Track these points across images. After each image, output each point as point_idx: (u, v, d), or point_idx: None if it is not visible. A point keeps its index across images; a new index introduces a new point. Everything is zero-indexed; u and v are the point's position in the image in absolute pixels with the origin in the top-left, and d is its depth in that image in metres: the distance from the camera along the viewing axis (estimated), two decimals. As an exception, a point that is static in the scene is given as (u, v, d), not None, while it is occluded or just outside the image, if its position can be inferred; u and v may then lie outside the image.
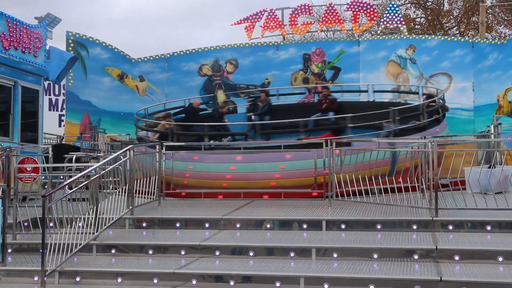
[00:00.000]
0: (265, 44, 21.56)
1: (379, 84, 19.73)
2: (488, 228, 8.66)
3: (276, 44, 21.48)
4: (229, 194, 12.23)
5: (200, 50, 21.67)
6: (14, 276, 8.41)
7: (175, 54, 21.69)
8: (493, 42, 19.76)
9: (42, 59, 14.26)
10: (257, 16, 22.12)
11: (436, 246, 8.00)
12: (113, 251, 9.05)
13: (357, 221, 9.33)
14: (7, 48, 12.96)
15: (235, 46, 21.54)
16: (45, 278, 7.89)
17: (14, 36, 13.19)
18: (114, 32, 55.49)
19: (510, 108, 17.66)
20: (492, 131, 13.86)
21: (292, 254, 8.42)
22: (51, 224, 8.65)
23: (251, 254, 8.54)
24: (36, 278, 8.11)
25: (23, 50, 13.46)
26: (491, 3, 35.55)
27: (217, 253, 8.68)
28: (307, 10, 22.50)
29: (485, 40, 20.55)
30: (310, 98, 20.43)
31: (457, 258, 7.83)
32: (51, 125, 22.89)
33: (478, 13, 30.69)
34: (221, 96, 21.14)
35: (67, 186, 8.89)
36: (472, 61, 19.24)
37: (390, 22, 21.39)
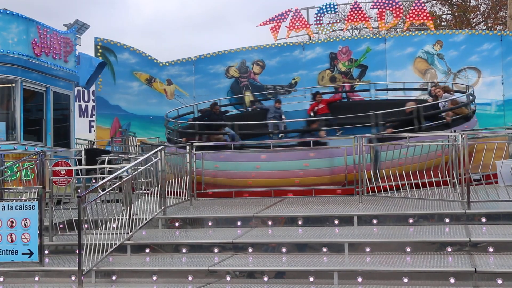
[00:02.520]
0: (291, 44, 21.60)
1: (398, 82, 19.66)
2: (522, 219, 8.59)
3: (302, 44, 21.51)
4: (260, 193, 12.28)
5: (226, 52, 21.79)
6: (52, 277, 8.61)
7: (202, 57, 21.87)
8: (522, 34, 19.51)
9: (72, 65, 14.53)
10: (283, 17, 22.16)
11: (470, 239, 7.95)
12: (147, 250, 9.18)
13: (389, 216, 9.31)
14: (38, 54, 13.25)
15: (261, 47, 21.62)
16: (82, 277, 8.05)
17: (45, 42, 13.47)
18: (138, 40, 56.12)
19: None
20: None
21: (324, 250, 8.45)
22: (86, 226, 8.81)
23: (283, 250, 8.59)
24: (73, 278, 8.29)
25: (54, 56, 13.74)
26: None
27: (250, 250, 8.75)
28: (332, 9, 22.47)
29: (514, 32, 20.31)
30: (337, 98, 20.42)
31: (491, 250, 7.77)
32: (82, 131, 23.21)
33: (506, 7, 30.28)
34: (248, 97, 21.25)
35: (100, 188, 9.07)
36: (501, 54, 19.01)
37: (417, 18, 21.25)
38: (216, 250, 8.88)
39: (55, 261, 9.00)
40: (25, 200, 8.80)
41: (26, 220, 8.60)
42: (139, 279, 8.27)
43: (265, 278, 7.78)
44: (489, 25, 35.25)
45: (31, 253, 8.59)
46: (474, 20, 36.36)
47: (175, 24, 62.56)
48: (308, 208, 10.33)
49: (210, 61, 21.77)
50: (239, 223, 9.85)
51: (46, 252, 9.14)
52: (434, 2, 37.66)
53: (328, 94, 19.40)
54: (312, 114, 17.17)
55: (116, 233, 8.88)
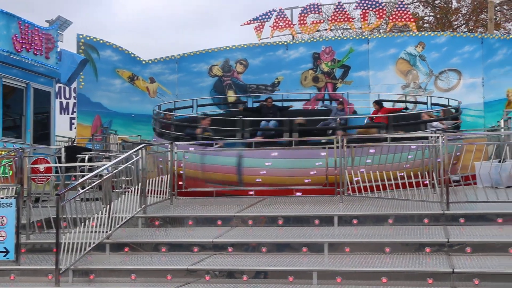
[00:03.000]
0: (274, 43, 21.62)
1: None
2: (499, 220, 8.66)
3: (285, 43, 21.55)
4: (241, 192, 12.27)
5: (210, 51, 21.75)
6: (28, 276, 8.49)
7: (185, 55, 21.79)
8: (502, 37, 19.71)
9: (54, 61, 14.41)
10: (266, 16, 22.17)
11: (448, 239, 8.01)
12: (126, 249, 9.12)
13: (369, 216, 9.35)
14: (19, 50, 13.11)
15: (245, 46, 21.62)
16: (59, 276, 7.97)
17: (26, 38, 13.34)
18: (122, 38, 55.80)
19: (520, 103, 17.64)
20: (502, 126, 13.82)
21: (304, 250, 8.46)
22: (65, 224, 8.73)
23: (263, 250, 8.59)
24: (50, 277, 8.19)
25: (35, 52, 13.61)
26: (499, 0, 35.42)
27: (230, 249, 8.73)
28: (316, 9, 22.54)
29: (494, 35, 20.50)
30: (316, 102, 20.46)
31: (469, 250, 7.83)
32: (63, 128, 23.07)
33: (487, 11, 30.57)
34: (231, 96, 21.23)
35: (79, 186, 8.99)
36: (481, 57, 19.21)
37: (399, 20, 21.37)
38: (196, 250, 8.85)
39: (32, 260, 8.89)
40: (3, 198, 8.69)
41: (2, 218, 8.49)
42: (117, 278, 8.20)
43: (245, 278, 7.76)
44: (470, 27, 35.59)
45: (7, 252, 8.47)
46: (456, 23, 36.69)
47: (159, 21, 62.28)
48: (289, 208, 10.34)
49: (194, 59, 21.71)
50: (219, 223, 9.82)
51: (23, 250, 9.01)
52: (417, 3, 37.97)
53: (390, 103, 18.42)
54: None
55: (95, 232, 8.80)
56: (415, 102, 19.00)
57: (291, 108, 18.35)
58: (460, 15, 36.83)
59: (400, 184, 10.14)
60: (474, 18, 35.96)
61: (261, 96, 20.50)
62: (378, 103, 16.49)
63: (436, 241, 8.10)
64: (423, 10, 38.37)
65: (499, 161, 10.44)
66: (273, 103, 17.63)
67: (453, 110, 16.18)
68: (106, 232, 9.04)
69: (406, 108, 16.91)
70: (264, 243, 8.67)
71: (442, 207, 9.10)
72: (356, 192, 10.45)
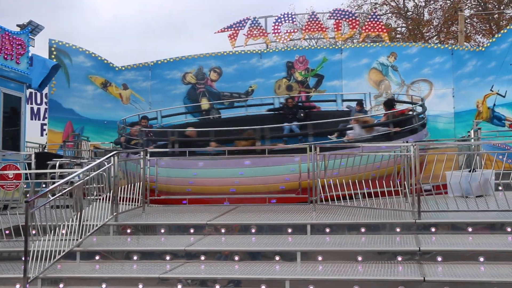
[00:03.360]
0: (248, 52, 21.71)
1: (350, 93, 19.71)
2: (470, 229, 8.78)
3: (259, 52, 21.64)
4: (214, 200, 12.21)
5: (183, 58, 21.72)
6: (-5, 284, 8.35)
7: (159, 62, 21.72)
8: (471, 49, 20.05)
9: (25, 66, 14.19)
10: (241, 24, 22.24)
11: (419, 248, 8.08)
12: (97, 257, 9.01)
13: (342, 225, 9.39)
14: (-12, 55, 12.91)
15: (219, 54, 21.64)
16: (27, 285, 7.83)
17: (-4, 42, 13.13)
18: (95, 44, 55.37)
19: (489, 113, 17.92)
20: (472, 136, 14.02)
21: (277, 258, 8.45)
22: (34, 232, 8.58)
23: (236, 258, 8.56)
24: (18, 286, 8.03)
25: (5, 56, 13.40)
26: (470, 13, 36.09)
27: (202, 258, 8.69)
28: (290, 19, 22.67)
29: (464, 47, 20.84)
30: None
31: (439, 259, 7.91)
32: (33, 134, 22.70)
33: (457, 23, 31.12)
34: (205, 104, 21.19)
35: (50, 193, 8.86)
36: (451, 68, 19.51)
37: (372, 30, 21.62)
38: (168, 258, 8.78)
39: None
40: (-30, 205, 8.52)
41: (-30, 225, 8.33)
42: (87, 287, 8.09)
43: (217, 286, 7.72)
44: (442, 39, 36.20)
45: (-26, 260, 8.31)
46: (428, 34, 37.29)
47: (133, 28, 62.00)
48: (262, 216, 10.33)
49: (167, 66, 21.66)
50: (192, 231, 9.76)
51: (-9, 259, 8.86)
52: (390, 15, 38.50)
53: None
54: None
55: (65, 240, 8.68)
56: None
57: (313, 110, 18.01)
58: (431, 26, 37.47)
59: (372, 193, 10.20)
60: (445, 30, 36.60)
61: (235, 104, 20.52)
62: (388, 104, 15.61)
63: (408, 250, 8.17)
64: (395, 21, 38.96)
65: (469, 171, 10.57)
66: (294, 103, 17.40)
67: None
68: (77, 240, 8.91)
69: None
70: (237, 252, 8.64)
71: (413, 216, 9.18)
72: (329, 200, 10.47)
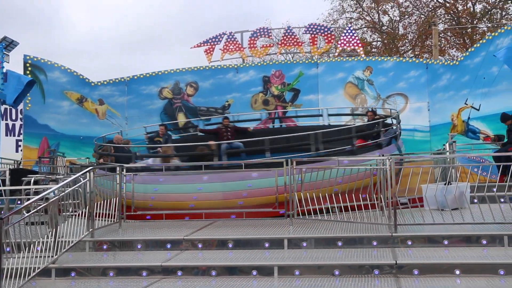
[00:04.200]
0: (225, 66, 21.75)
1: (334, 108, 19.80)
2: (446, 242, 8.85)
3: (236, 66, 21.71)
4: (191, 215, 12.16)
5: (160, 73, 21.71)
6: (-32, 304, 8.19)
7: (135, 77, 21.68)
8: (446, 63, 20.33)
9: (-1, 82, 14.07)
10: (217, 39, 22.33)
11: (396, 261, 8.12)
12: (72, 274, 8.89)
13: (319, 239, 9.40)
14: (-38, 70, 12.76)
15: (195, 69, 21.68)
16: (2, 303, 7.71)
17: (-30, 58, 13.00)
18: (71, 59, 55.05)
19: (464, 127, 18.17)
20: (448, 149, 14.18)
21: (254, 273, 8.42)
22: (8, 249, 8.46)
23: (213, 273, 8.52)
24: (-9, 304, 7.92)
25: (-21, 72, 13.27)
26: (444, 27, 36.67)
27: (179, 273, 8.62)
28: (266, 33, 22.80)
29: (438, 61, 21.14)
30: (268, 123, 20.55)
31: (416, 272, 7.95)
32: (8, 150, 22.45)
33: (432, 37, 31.58)
34: (181, 119, 21.16)
35: (24, 210, 8.75)
36: (426, 81, 19.77)
37: (348, 45, 21.84)
38: (144, 274, 8.70)
39: (-27, 287, 8.57)
40: None
41: None
42: (63, 305, 7.99)
43: (194, 302, 7.68)
44: (416, 53, 36.68)
45: None
46: (403, 48, 37.77)
47: (108, 43, 61.79)
48: (239, 230, 10.30)
49: (144, 81, 21.62)
50: (169, 246, 9.71)
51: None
52: (365, 29, 38.93)
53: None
54: None
55: (40, 257, 8.57)
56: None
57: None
58: (406, 41, 37.96)
59: (349, 206, 10.24)
60: (420, 44, 37.10)
61: (212, 119, 20.52)
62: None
63: (385, 263, 8.19)
64: (371, 36, 39.43)
65: (445, 184, 10.68)
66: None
67: None
68: (52, 256, 8.81)
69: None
70: (214, 267, 8.60)
71: (390, 230, 9.23)
72: (306, 214, 10.50)
